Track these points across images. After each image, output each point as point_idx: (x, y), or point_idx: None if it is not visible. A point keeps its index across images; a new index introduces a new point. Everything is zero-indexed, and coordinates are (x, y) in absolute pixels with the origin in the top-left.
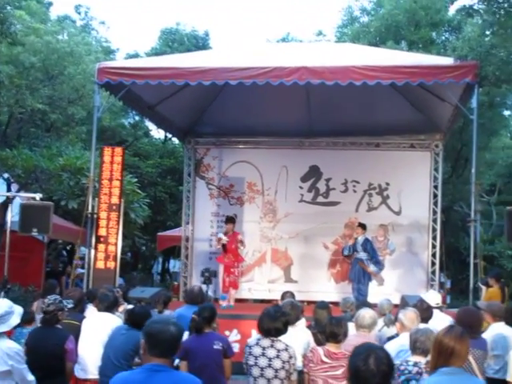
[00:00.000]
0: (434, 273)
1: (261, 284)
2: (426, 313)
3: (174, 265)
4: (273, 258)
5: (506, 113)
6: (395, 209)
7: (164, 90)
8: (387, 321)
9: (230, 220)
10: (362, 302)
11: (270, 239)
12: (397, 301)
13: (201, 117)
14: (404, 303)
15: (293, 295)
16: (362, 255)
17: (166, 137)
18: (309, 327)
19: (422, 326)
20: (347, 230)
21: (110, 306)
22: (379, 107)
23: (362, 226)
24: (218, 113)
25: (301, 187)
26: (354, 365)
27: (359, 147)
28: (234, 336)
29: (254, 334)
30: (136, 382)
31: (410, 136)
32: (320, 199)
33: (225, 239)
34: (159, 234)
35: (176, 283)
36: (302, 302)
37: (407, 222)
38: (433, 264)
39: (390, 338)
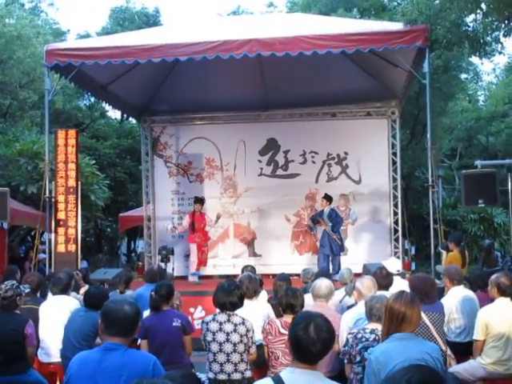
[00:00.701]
0: (397, 240)
1: (225, 260)
2: (386, 280)
3: (140, 245)
4: (236, 233)
5: (463, 76)
6: (355, 178)
7: (115, 69)
8: (348, 290)
9: (199, 201)
10: (322, 272)
11: (231, 214)
12: (360, 270)
13: (155, 95)
14: (366, 272)
15: (253, 269)
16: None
17: (122, 117)
18: (270, 300)
19: (379, 293)
20: (308, 202)
21: (64, 289)
22: (333, 77)
23: (328, 198)
24: (172, 90)
25: (259, 161)
26: (294, 334)
27: (316, 118)
28: (198, 313)
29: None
30: (92, 360)
31: (365, 104)
32: (279, 172)
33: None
34: (121, 214)
35: (141, 263)
36: (268, 275)
37: (368, 190)
38: (395, 231)
39: (350, 307)
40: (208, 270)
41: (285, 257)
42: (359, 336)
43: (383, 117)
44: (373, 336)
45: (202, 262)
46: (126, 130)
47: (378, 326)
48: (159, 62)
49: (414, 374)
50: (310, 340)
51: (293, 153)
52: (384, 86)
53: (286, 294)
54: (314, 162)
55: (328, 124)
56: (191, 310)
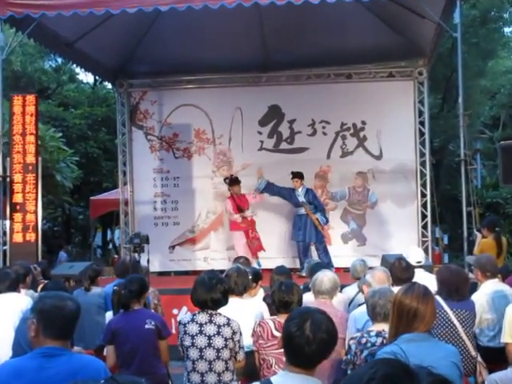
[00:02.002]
0: (425, 227)
1: (218, 252)
2: (405, 273)
3: (118, 235)
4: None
5: (506, 30)
6: (375, 152)
7: (84, 22)
8: (362, 285)
9: (235, 181)
10: (319, 263)
11: (225, 196)
12: (378, 262)
13: (133, 53)
14: (384, 265)
15: (246, 260)
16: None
17: (95, 81)
18: (266, 298)
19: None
20: (318, 181)
21: (12, 285)
22: (348, 30)
23: (298, 176)
24: (153, 47)
25: (260, 132)
26: (286, 331)
27: (327, 80)
28: (183, 315)
29: None
30: (29, 370)
31: (387, 63)
32: (284, 146)
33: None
34: (92, 198)
35: (116, 256)
36: (270, 270)
37: (390, 167)
38: (424, 217)
39: (361, 305)
40: (197, 264)
41: (290, 248)
42: (363, 341)
43: (408, 78)
44: (380, 340)
45: (257, 248)
46: (99, 97)
47: (385, 327)
48: (136, 12)
49: (378, 369)
50: (304, 338)
51: (299, 122)
52: (409, 41)
53: (280, 289)
54: (325, 134)
55: (342, 87)
56: (174, 311)
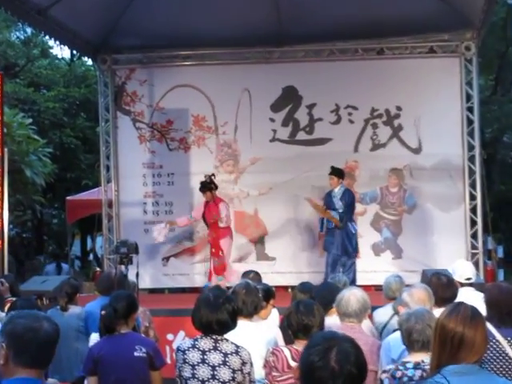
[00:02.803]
0: (475, 236)
1: None
2: (446, 291)
3: (100, 243)
4: (237, 226)
5: None
6: (412, 145)
7: None
8: (397, 307)
9: (206, 186)
10: (327, 283)
11: (231, 198)
12: (417, 278)
13: (118, 22)
14: (425, 281)
15: (257, 275)
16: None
17: (72, 56)
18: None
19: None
20: (344, 180)
21: None
22: None
23: (338, 173)
24: (142, 15)
25: (272, 119)
26: (306, 360)
27: (354, 56)
28: (180, 340)
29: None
30: None
31: (427, 36)
32: (301, 136)
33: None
34: (69, 198)
35: (99, 269)
36: (285, 287)
37: (431, 163)
38: (473, 224)
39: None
40: (196, 280)
41: (310, 261)
42: (398, 375)
43: (453, 55)
44: (418, 373)
45: (215, 269)
46: (77, 76)
47: (425, 357)
48: None
49: None
50: (329, 370)
51: (320, 108)
52: (454, 9)
53: (298, 310)
54: (351, 122)
55: (372, 65)
56: (169, 336)
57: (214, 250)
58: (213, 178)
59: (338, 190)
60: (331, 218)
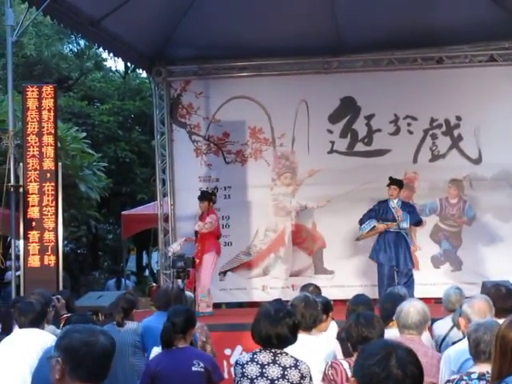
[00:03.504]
0: None
1: (279, 279)
2: (506, 302)
3: (156, 258)
4: (295, 240)
5: None
6: (472, 155)
7: None
8: (457, 319)
9: (206, 196)
10: (392, 293)
11: (288, 211)
12: (477, 291)
13: (173, 33)
14: (485, 292)
15: (317, 289)
16: (405, 225)
17: (127, 68)
18: (340, 334)
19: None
20: (403, 191)
21: (36, 319)
22: (439, 2)
23: (399, 184)
24: (198, 26)
25: (330, 131)
26: (368, 372)
27: (413, 65)
28: (237, 355)
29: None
30: None
31: (487, 44)
32: (360, 147)
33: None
34: (124, 212)
35: (155, 284)
36: (344, 301)
37: (492, 173)
38: None
39: (455, 344)
40: (254, 294)
41: (370, 275)
42: None
43: None
44: (483, 383)
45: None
46: (131, 88)
47: (490, 369)
48: None
49: None
50: (393, 378)
51: (379, 118)
52: None
53: (358, 322)
54: (410, 133)
55: (431, 75)
56: (227, 351)
57: (197, 262)
58: (215, 191)
59: (396, 201)
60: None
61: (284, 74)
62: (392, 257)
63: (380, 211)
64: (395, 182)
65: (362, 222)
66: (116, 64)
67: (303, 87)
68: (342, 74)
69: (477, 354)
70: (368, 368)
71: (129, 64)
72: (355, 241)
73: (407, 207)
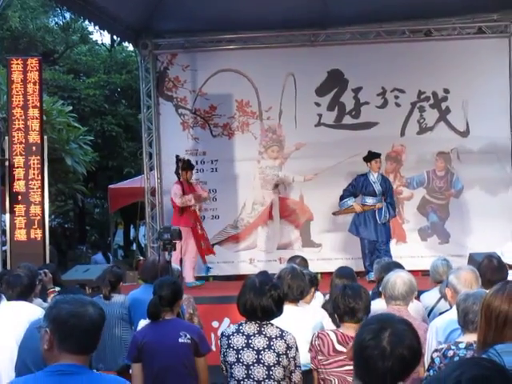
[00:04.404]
0: None
1: (267, 252)
2: (496, 274)
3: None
4: (282, 213)
5: None
6: (460, 128)
7: None
8: (444, 290)
9: (189, 166)
10: (392, 262)
11: (276, 185)
12: (464, 263)
13: (159, 6)
14: (472, 264)
15: (304, 261)
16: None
17: (113, 41)
18: (325, 305)
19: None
20: (390, 164)
21: (24, 292)
22: None
23: (378, 156)
24: None
25: (317, 104)
26: (359, 339)
27: (400, 38)
28: (225, 328)
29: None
30: None
31: (475, 16)
32: (347, 120)
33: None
34: (111, 186)
35: (142, 258)
36: (331, 274)
37: (479, 146)
38: None
39: (442, 314)
40: (242, 267)
41: (357, 248)
42: (450, 354)
43: (502, 35)
44: (470, 353)
45: (205, 251)
46: (118, 62)
47: None
48: None
49: (465, 371)
50: (379, 350)
51: (367, 91)
52: None
53: (344, 294)
54: (398, 105)
55: (419, 47)
56: (214, 324)
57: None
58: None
59: (377, 175)
60: (371, 207)
61: (271, 47)
62: (371, 232)
63: (360, 185)
64: (377, 155)
65: (342, 197)
66: (102, 37)
67: (290, 60)
68: (330, 47)
69: (465, 323)
70: (361, 335)
71: (115, 37)
72: (332, 215)
73: (386, 183)
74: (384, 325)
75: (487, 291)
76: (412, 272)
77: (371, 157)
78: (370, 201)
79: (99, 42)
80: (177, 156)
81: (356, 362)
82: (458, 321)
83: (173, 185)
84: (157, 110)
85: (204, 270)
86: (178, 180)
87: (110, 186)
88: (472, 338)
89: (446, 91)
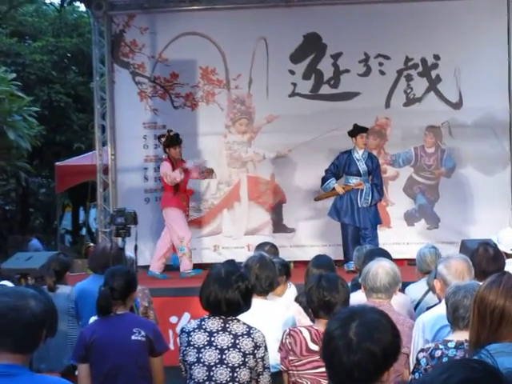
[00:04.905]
0: None
1: (233, 237)
2: (493, 264)
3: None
4: (251, 194)
5: None
6: (452, 99)
7: None
8: (432, 281)
9: (176, 141)
10: (374, 249)
11: (244, 162)
12: (456, 251)
13: None
14: (465, 252)
15: (273, 248)
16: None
17: (62, 0)
18: (299, 298)
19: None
20: (374, 139)
21: None
22: None
23: (365, 131)
24: None
25: (291, 72)
26: (327, 329)
27: None
28: (184, 324)
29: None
30: None
31: None
32: (325, 90)
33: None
34: (58, 164)
35: (92, 244)
36: (306, 263)
37: (473, 119)
38: None
39: (430, 309)
40: (204, 255)
41: (335, 233)
42: (438, 354)
43: None
44: (461, 353)
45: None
46: (68, 24)
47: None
48: None
49: (453, 374)
50: (346, 341)
51: (347, 58)
52: None
53: (319, 285)
54: (382, 73)
55: (406, 8)
56: (172, 319)
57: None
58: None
59: (362, 152)
60: (355, 186)
61: (240, 8)
62: (354, 216)
63: (342, 164)
64: (363, 130)
65: (324, 179)
66: None
67: (262, 23)
68: (306, 8)
69: (455, 320)
70: (329, 327)
71: None
72: (314, 201)
73: (372, 161)
74: (353, 314)
75: (480, 283)
76: (397, 261)
77: (357, 131)
78: (354, 181)
79: (47, 1)
80: (158, 136)
81: (323, 357)
82: (446, 317)
83: (161, 163)
84: (111, 78)
85: (174, 258)
86: (168, 158)
87: (57, 164)
88: (463, 336)
89: (437, 57)
